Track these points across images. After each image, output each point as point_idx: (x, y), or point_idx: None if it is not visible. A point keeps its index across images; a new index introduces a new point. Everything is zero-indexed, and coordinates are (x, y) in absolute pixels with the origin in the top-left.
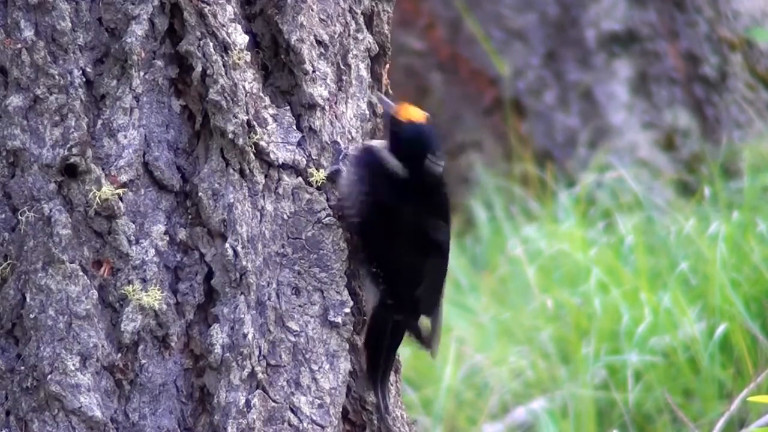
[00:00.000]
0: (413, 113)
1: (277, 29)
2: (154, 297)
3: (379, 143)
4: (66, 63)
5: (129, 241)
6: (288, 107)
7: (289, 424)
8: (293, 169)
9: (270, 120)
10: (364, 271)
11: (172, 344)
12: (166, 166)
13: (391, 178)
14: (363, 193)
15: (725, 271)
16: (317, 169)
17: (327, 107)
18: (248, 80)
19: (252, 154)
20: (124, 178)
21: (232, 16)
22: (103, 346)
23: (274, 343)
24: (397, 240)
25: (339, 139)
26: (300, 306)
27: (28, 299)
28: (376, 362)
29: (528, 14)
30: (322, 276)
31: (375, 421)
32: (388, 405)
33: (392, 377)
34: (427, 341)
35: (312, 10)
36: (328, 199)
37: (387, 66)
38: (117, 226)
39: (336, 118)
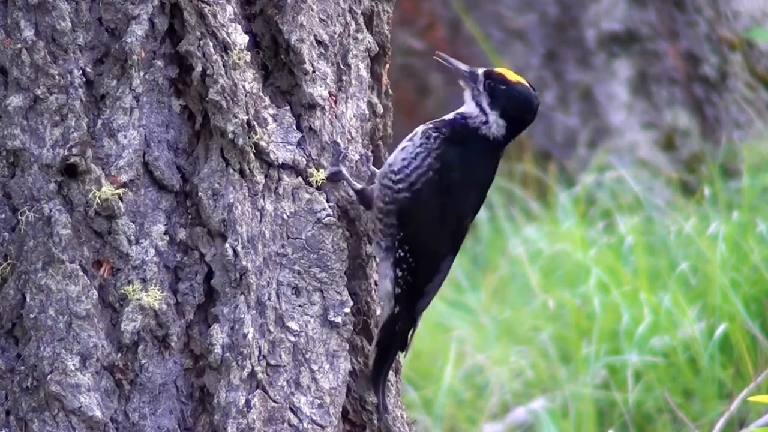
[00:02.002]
0: (517, 77)
1: (277, 29)
2: (154, 297)
3: (456, 112)
4: (66, 63)
5: (129, 241)
6: (288, 107)
7: (289, 424)
8: (293, 169)
9: (270, 120)
10: (387, 262)
11: (172, 344)
12: (166, 166)
13: (481, 142)
14: (429, 166)
15: (725, 271)
16: (317, 169)
17: (327, 107)
18: (248, 80)
19: (252, 154)
20: (124, 178)
21: (232, 16)
22: (103, 346)
23: (274, 343)
24: (440, 223)
25: (339, 139)
26: (300, 306)
27: (28, 299)
28: (383, 362)
29: (528, 14)
30: (322, 276)
31: (375, 421)
32: (387, 404)
33: (392, 377)
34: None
35: (312, 10)
36: (328, 200)
37: (387, 66)
38: (117, 226)
39: (336, 118)
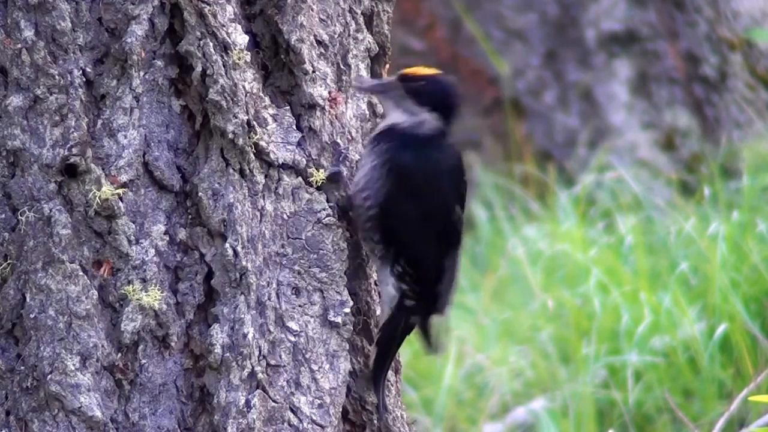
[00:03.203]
0: (429, 70)
1: (277, 29)
2: (154, 297)
3: (385, 123)
4: (66, 63)
5: (129, 241)
6: (288, 107)
7: (289, 424)
8: (293, 169)
9: (270, 120)
10: (385, 271)
11: (172, 344)
12: (166, 166)
13: (424, 140)
14: (386, 174)
15: (725, 271)
16: (317, 169)
17: (327, 107)
18: (248, 80)
19: (252, 154)
20: (124, 178)
21: (232, 16)
22: (103, 346)
23: (274, 343)
24: (424, 226)
25: (339, 139)
26: (300, 306)
27: (28, 299)
28: (383, 361)
29: (528, 14)
30: (322, 276)
31: (375, 421)
32: (386, 404)
33: (392, 377)
34: (433, 342)
35: (312, 10)
36: (328, 200)
37: (387, 66)
38: (117, 226)
39: (336, 118)
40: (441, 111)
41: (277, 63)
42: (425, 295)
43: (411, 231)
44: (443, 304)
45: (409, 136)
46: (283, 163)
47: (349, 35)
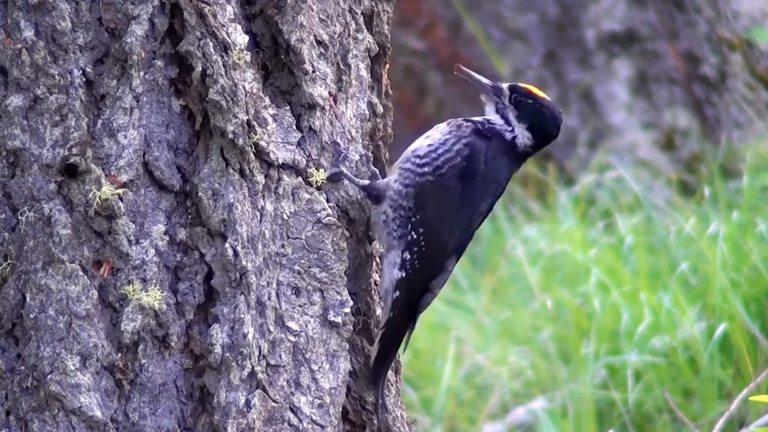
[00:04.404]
0: (541, 92)
1: (277, 29)
2: (154, 297)
3: (482, 117)
4: (66, 63)
5: (129, 241)
6: (288, 107)
7: (289, 424)
8: (293, 169)
9: (270, 120)
10: (399, 247)
11: (172, 344)
12: (166, 166)
13: (505, 143)
14: (458, 152)
15: (725, 271)
16: (317, 169)
17: (327, 107)
18: (248, 80)
19: (252, 154)
20: (124, 178)
21: (232, 16)
22: (103, 346)
23: (274, 343)
24: (456, 211)
25: (339, 139)
26: (300, 306)
27: (28, 299)
28: (385, 359)
29: (528, 14)
30: (322, 276)
31: (375, 421)
32: (386, 403)
33: (392, 377)
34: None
35: (312, 10)
36: (328, 200)
37: (387, 66)
38: (117, 226)
39: (336, 118)
40: (535, 133)
41: (277, 63)
42: (419, 277)
43: (444, 209)
44: (424, 304)
45: (496, 133)
46: (283, 163)
47: (349, 35)
